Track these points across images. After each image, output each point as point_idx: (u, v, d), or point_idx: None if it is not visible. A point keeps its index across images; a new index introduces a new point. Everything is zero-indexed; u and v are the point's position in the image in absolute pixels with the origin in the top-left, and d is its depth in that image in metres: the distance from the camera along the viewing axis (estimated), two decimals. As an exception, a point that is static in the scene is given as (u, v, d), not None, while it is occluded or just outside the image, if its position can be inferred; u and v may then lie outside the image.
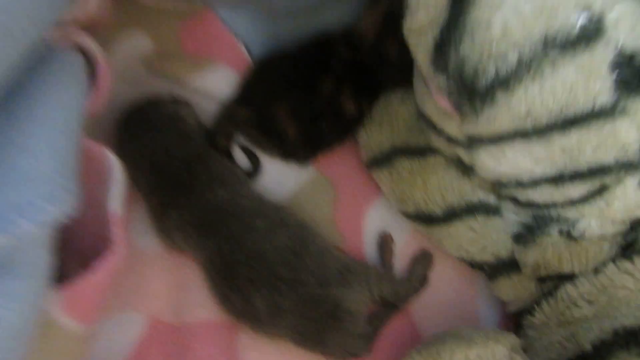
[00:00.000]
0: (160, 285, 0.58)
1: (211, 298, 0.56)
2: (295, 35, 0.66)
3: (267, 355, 0.57)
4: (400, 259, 0.65)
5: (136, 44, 0.66)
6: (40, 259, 0.36)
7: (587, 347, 0.46)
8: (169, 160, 0.57)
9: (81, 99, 0.42)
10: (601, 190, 0.47)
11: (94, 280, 0.40)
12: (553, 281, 0.55)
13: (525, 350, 0.53)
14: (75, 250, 0.44)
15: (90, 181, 0.44)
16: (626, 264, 0.48)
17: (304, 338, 0.54)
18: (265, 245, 0.54)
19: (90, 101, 0.44)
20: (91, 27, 0.51)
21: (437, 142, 0.56)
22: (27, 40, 0.35)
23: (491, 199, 0.59)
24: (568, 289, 0.51)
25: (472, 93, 0.45)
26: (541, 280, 0.57)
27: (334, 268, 0.55)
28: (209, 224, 0.55)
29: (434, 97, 0.49)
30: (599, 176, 0.46)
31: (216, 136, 0.64)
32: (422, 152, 0.61)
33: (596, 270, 0.50)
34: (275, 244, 0.54)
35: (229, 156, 0.65)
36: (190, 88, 0.66)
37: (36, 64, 0.40)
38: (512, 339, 0.50)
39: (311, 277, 0.54)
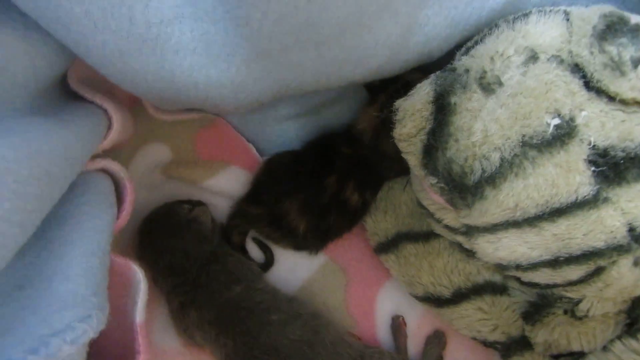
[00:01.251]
0: (182, 383, 0.61)
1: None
2: (299, 134, 0.71)
3: None
4: (414, 340, 0.66)
5: (155, 154, 0.71)
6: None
7: None
8: (187, 262, 0.61)
9: (111, 222, 0.47)
10: (598, 272, 0.49)
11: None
12: (566, 358, 0.56)
13: None
14: (101, 357, 0.47)
15: (117, 293, 0.48)
16: (632, 342, 0.49)
17: None
18: (280, 339, 0.56)
19: (119, 220, 0.49)
20: (117, 148, 0.57)
21: (438, 229, 0.59)
22: (67, 181, 0.40)
23: (497, 278, 0.61)
24: (579, 368, 0.52)
25: (462, 190, 0.48)
26: (555, 357, 0.58)
27: (347, 357, 0.57)
28: (226, 320, 0.58)
29: (429, 194, 0.53)
30: (593, 259, 0.48)
31: (231, 233, 0.68)
32: (426, 236, 0.64)
33: (605, 348, 0.51)
34: (290, 336, 0.57)
35: (244, 251, 0.68)
36: (206, 190, 0.71)
37: (71, 193, 0.45)
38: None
39: (325, 367, 0.55)
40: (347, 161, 0.66)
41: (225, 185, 0.71)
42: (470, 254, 0.58)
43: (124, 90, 0.51)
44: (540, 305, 0.56)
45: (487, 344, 0.62)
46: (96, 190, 0.47)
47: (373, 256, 0.69)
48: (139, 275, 0.48)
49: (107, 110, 0.51)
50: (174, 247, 0.61)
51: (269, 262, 0.68)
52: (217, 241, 0.64)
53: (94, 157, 0.50)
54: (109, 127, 0.51)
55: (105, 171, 0.51)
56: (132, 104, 0.66)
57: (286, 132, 0.72)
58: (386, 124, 0.57)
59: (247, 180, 0.71)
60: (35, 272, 0.40)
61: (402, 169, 0.65)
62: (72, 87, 0.52)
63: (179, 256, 0.61)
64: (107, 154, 0.54)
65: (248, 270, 0.63)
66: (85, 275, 0.41)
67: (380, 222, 0.67)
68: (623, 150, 0.43)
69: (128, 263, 0.49)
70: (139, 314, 0.46)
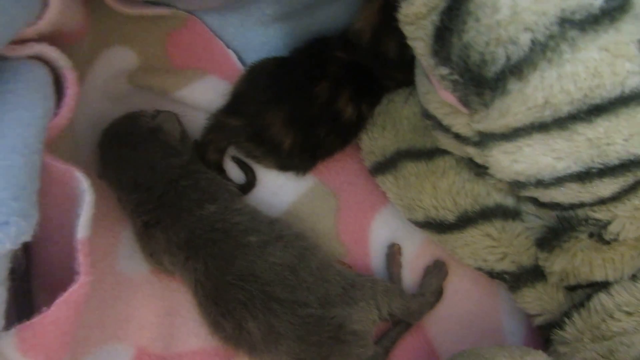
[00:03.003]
0: (147, 313, 0.54)
1: (202, 325, 0.52)
2: (288, 41, 0.62)
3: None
4: (412, 271, 0.60)
5: (120, 59, 0.62)
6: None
7: (630, 366, 0.40)
8: (153, 177, 0.53)
9: (43, 116, 0.38)
10: (635, 187, 0.42)
11: (55, 316, 0.36)
12: (584, 290, 0.49)
13: (556, 369, 0.47)
14: (45, 283, 0.40)
15: (59, 206, 0.40)
16: (669, 270, 0.42)
17: (306, 365, 0.49)
18: (259, 263, 0.49)
19: (56, 117, 0.40)
20: (64, 41, 0.47)
21: (446, 142, 0.51)
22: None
23: (509, 201, 0.54)
24: (602, 299, 0.46)
25: (479, 84, 0.40)
26: (570, 289, 0.51)
27: (336, 284, 0.51)
28: (197, 243, 0.51)
29: (438, 92, 0.44)
30: (633, 170, 0.40)
31: (206, 149, 0.59)
32: (429, 154, 0.56)
33: (634, 277, 0.44)
34: (270, 260, 0.50)
35: (221, 170, 0.60)
36: (179, 100, 0.62)
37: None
38: (540, 357, 0.45)
39: (311, 296, 0.49)
40: (341, 67, 0.58)
41: (200, 97, 0.62)
42: (481, 170, 0.50)
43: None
44: (560, 230, 0.49)
45: (493, 275, 0.55)
46: (25, 78, 0.38)
47: (368, 179, 0.62)
48: (83, 184, 0.40)
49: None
50: (136, 159, 0.53)
51: (250, 183, 0.60)
52: (187, 156, 0.56)
53: (26, 40, 0.41)
54: (45, 4, 0.41)
55: (41, 60, 0.41)
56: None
57: (272, 38, 0.62)
58: (388, 19, 0.47)
59: (225, 91, 0.62)
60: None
61: (404, 78, 0.56)
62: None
63: (143, 170, 0.53)
64: (49, 44, 0.44)
65: (224, 190, 0.55)
66: (3, 175, 0.32)
67: (378, 138, 0.59)
68: (687, 29, 0.35)
69: (70, 169, 0.40)
70: (82, 228, 0.38)
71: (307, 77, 0.57)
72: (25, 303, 0.41)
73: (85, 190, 0.39)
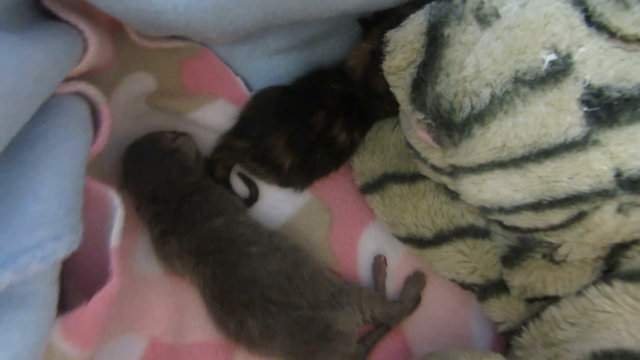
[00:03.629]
0: (160, 308, 0.61)
1: (208, 320, 0.59)
2: (291, 69, 0.69)
3: (262, 376, 0.59)
4: (394, 280, 0.67)
5: (140, 83, 0.69)
6: (48, 292, 0.39)
7: (568, 369, 0.47)
8: (170, 191, 0.60)
9: (86, 145, 0.46)
10: (580, 217, 0.49)
11: (92, 309, 0.43)
12: (540, 302, 0.56)
13: (513, 371, 0.55)
14: (76, 279, 0.47)
15: (93, 217, 0.47)
16: (606, 288, 0.49)
17: (296, 359, 0.56)
18: (259, 271, 0.57)
19: (93, 146, 0.48)
20: (96, 73, 0.54)
21: (424, 170, 0.58)
22: (37, 101, 0.39)
23: (481, 222, 0.61)
24: (552, 311, 0.53)
25: (449, 127, 0.47)
26: (529, 301, 0.58)
27: (326, 290, 0.58)
28: (206, 251, 0.58)
29: (416, 131, 0.51)
30: (577, 203, 0.47)
31: (215, 166, 0.67)
32: (412, 178, 0.63)
33: (579, 293, 0.51)
34: (269, 268, 0.57)
35: (228, 185, 0.68)
36: (191, 122, 0.69)
37: (44, 114, 0.44)
38: (497, 358, 0.52)
39: (303, 300, 0.56)
40: (336, 98, 0.65)
41: (211, 119, 0.69)
42: (454, 195, 0.57)
43: (102, 12, 0.48)
44: (520, 250, 0.56)
45: (464, 286, 0.62)
46: (70, 113, 0.46)
47: (359, 197, 0.69)
48: (115, 201, 0.47)
49: (83, 31, 0.49)
50: (156, 175, 0.60)
51: (253, 197, 0.68)
52: (200, 173, 0.63)
53: (69, 79, 0.48)
54: (85, 49, 0.49)
55: (81, 95, 0.49)
56: (114, 29, 0.63)
57: (276, 68, 0.69)
58: (376, 60, 0.54)
59: (233, 114, 0.69)
60: (6, 192, 0.40)
61: (392, 109, 0.63)
62: (45, 5, 0.49)
63: (162, 185, 0.60)
64: (86, 79, 0.52)
65: (231, 203, 0.63)
66: (57, 197, 0.40)
67: (368, 162, 0.66)
68: (619, 91, 0.42)
69: (105, 189, 0.48)
70: (114, 239, 0.46)
71: (306, 107, 0.64)
72: (61, 300, 0.48)
73: (117, 206, 0.47)
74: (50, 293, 0.39)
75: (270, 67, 0.69)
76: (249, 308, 0.56)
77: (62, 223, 0.39)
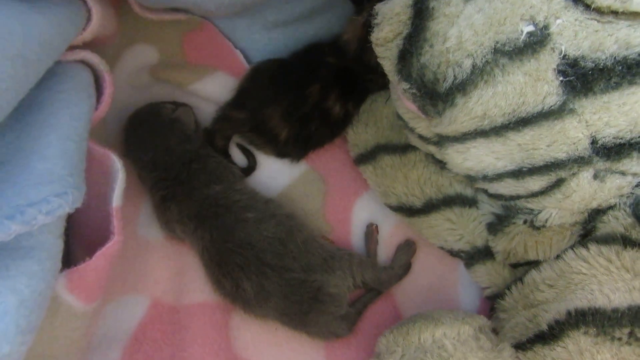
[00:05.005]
0: (162, 271, 0.65)
1: (207, 283, 0.63)
2: (288, 43, 0.71)
3: (256, 334, 0.63)
4: (386, 248, 0.69)
5: (143, 55, 0.72)
6: (53, 244, 0.43)
7: (544, 326, 0.50)
8: (170, 159, 0.63)
9: (89, 111, 0.49)
10: (559, 184, 0.51)
11: (95, 265, 0.47)
12: (523, 267, 0.59)
13: (496, 331, 0.57)
14: (81, 239, 0.51)
15: (97, 180, 0.50)
16: (582, 251, 0.51)
17: (290, 319, 0.60)
18: (255, 235, 0.60)
19: (95, 111, 0.51)
20: (100, 44, 0.57)
21: (413, 140, 0.60)
22: (43, 66, 0.41)
23: (468, 191, 0.63)
24: (533, 274, 0.55)
25: (433, 97, 0.49)
26: (513, 266, 0.61)
27: (318, 255, 0.61)
28: (205, 216, 0.61)
29: (403, 102, 0.54)
30: (555, 170, 0.49)
31: (214, 137, 0.69)
32: (403, 149, 0.66)
33: (557, 257, 0.54)
34: (264, 233, 0.60)
35: (226, 155, 0.70)
36: (192, 93, 0.72)
37: (50, 81, 0.46)
38: (480, 320, 0.55)
39: (296, 263, 0.59)
40: (331, 71, 0.67)
41: (211, 90, 0.72)
42: (442, 165, 0.59)
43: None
44: (504, 217, 0.58)
45: (452, 253, 0.65)
46: (74, 80, 0.49)
47: (353, 168, 0.71)
48: (117, 164, 0.50)
49: (86, 1, 0.51)
50: (157, 144, 0.63)
51: (251, 167, 0.70)
52: (199, 143, 0.66)
53: (73, 48, 0.51)
54: (89, 19, 0.51)
55: (85, 63, 0.52)
56: (117, 1, 0.66)
57: (274, 41, 0.72)
58: (369, 33, 0.56)
59: (232, 86, 0.71)
60: (15, 151, 0.43)
61: (385, 83, 0.65)
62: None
63: (162, 153, 0.63)
64: (90, 48, 0.54)
65: (229, 172, 0.65)
66: (61, 157, 0.43)
67: (361, 133, 0.69)
68: (593, 61, 0.44)
69: (107, 152, 0.51)
70: (115, 199, 0.49)
71: (302, 79, 0.66)
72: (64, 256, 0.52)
73: (118, 169, 0.50)
74: (55, 246, 0.43)
75: (269, 40, 0.71)
76: (244, 270, 0.59)
77: (66, 181, 0.42)
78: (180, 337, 0.62)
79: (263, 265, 0.59)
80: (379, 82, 0.67)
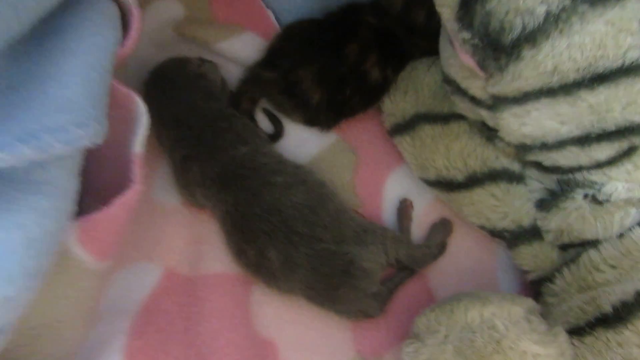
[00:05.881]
0: (177, 238, 0.60)
1: (226, 253, 0.57)
2: (323, 4, 0.66)
3: (278, 310, 0.57)
4: (420, 227, 0.64)
5: (167, 10, 0.68)
6: (67, 181, 0.38)
7: (607, 308, 0.45)
8: (193, 116, 0.59)
9: (113, 43, 0.44)
10: (629, 152, 0.46)
11: (110, 214, 0.42)
12: (576, 248, 0.54)
13: (543, 316, 0.52)
14: (96, 188, 0.46)
15: (118, 123, 0.45)
16: (652, 228, 0.47)
17: (317, 294, 0.54)
18: (283, 201, 0.55)
19: (121, 48, 0.46)
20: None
21: (462, 105, 0.55)
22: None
23: (515, 166, 0.59)
24: (591, 254, 0.50)
25: (497, 49, 0.44)
26: (563, 248, 0.56)
27: (350, 227, 0.56)
28: (229, 178, 0.56)
29: (459, 56, 0.49)
30: (628, 136, 0.45)
31: (240, 99, 0.65)
32: (445, 118, 0.61)
33: (621, 236, 0.49)
34: (293, 199, 0.55)
35: (252, 119, 0.66)
36: (219, 52, 0.67)
37: (75, 8, 0.42)
38: (529, 302, 0.50)
39: (327, 233, 0.54)
40: (371, 32, 0.62)
41: (238, 50, 0.67)
42: (492, 133, 0.55)
43: None
44: (559, 192, 0.53)
45: (494, 233, 0.60)
46: (100, 9, 0.44)
47: (386, 141, 0.66)
48: (141, 107, 0.45)
49: None
50: (180, 99, 0.59)
51: (277, 134, 0.66)
52: (225, 102, 0.61)
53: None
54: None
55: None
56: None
57: (309, 1, 0.67)
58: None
59: (261, 48, 0.67)
60: (31, 76, 0.38)
61: (429, 47, 0.61)
62: None
63: (185, 109, 0.58)
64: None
65: (256, 134, 0.61)
66: (83, 86, 0.38)
67: (399, 102, 0.64)
68: (686, 9, 0.39)
69: (131, 94, 0.46)
70: (138, 145, 0.44)
71: (339, 38, 0.62)
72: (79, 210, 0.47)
73: (143, 112, 0.45)
74: (70, 184, 0.38)
75: (303, 1, 0.67)
76: (271, 237, 0.54)
77: (87, 112, 0.37)
78: (195, 310, 0.57)
79: (291, 233, 0.54)
80: (422, 46, 0.63)
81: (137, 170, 0.44)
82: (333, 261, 0.54)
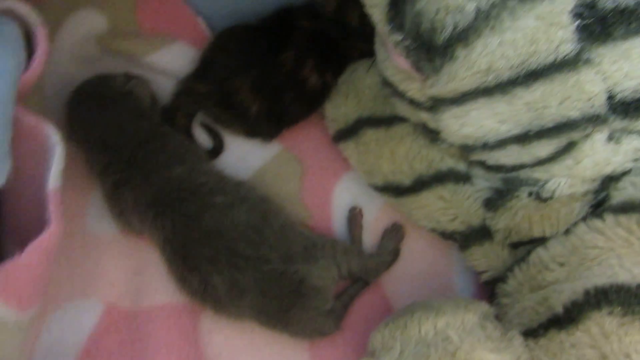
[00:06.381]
0: (116, 270, 0.56)
1: (170, 282, 0.54)
2: (256, 9, 0.63)
3: (231, 339, 0.54)
4: (372, 233, 0.63)
5: (89, 22, 0.63)
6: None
7: (559, 309, 0.44)
8: (122, 138, 0.55)
9: (15, 69, 0.40)
10: (569, 148, 0.46)
11: (25, 261, 0.38)
12: (525, 246, 0.53)
13: (499, 318, 0.51)
14: (14, 232, 0.42)
15: (32, 160, 0.41)
16: (597, 222, 0.46)
17: (269, 317, 0.52)
18: (224, 222, 0.52)
19: (26, 72, 0.41)
20: (36, 2, 0.48)
21: (402, 108, 0.54)
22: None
23: (461, 166, 0.57)
24: (540, 253, 0.50)
25: (430, 50, 0.43)
26: (514, 246, 0.55)
27: (298, 243, 0.53)
28: (165, 202, 0.53)
29: (393, 59, 0.47)
30: (566, 132, 0.44)
31: (175, 114, 0.61)
32: (388, 121, 0.59)
33: (567, 232, 0.49)
34: (235, 220, 0.52)
35: (189, 135, 0.62)
36: (148, 66, 0.64)
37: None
38: (483, 307, 0.49)
39: (273, 253, 0.52)
40: (306, 36, 0.60)
41: (169, 62, 0.64)
42: (434, 135, 0.53)
43: None
44: (504, 191, 0.52)
45: (445, 235, 0.59)
46: (-3, 32, 0.39)
47: (331, 147, 0.64)
48: (53, 137, 0.41)
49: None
50: (106, 120, 0.55)
51: (217, 148, 0.62)
52: (156, 119, 0.57)
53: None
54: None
55: (11, 14, 0.42)
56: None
57: (240, 6, 0.64)
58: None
59: (194, 57, 0.64)
60: None
61: (366, 48, 0.58)
62: None
63: (113, 131, 0.54)
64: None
65: (192, 152, 0.57)
66: (-23, 122, 0.34)
67: (341, 106, 0.62)
68: (614, 1, 0.38)
69: (41, 123, 0.42)
70: (52, 180, 0.40)
71: (274, 45, 0.59)
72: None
73: (56, 143, 0.41)
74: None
75: (234, 5, 0.64)
76: (214, 263, 0.51)
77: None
78: (141, 346, 0.53)
79: (235, 256, 0.51)
80: (360, 47, 0.61)
81: (54, 209, 0.40)
82: (282, 282, 0.51)
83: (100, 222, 0.58)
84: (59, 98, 0.59)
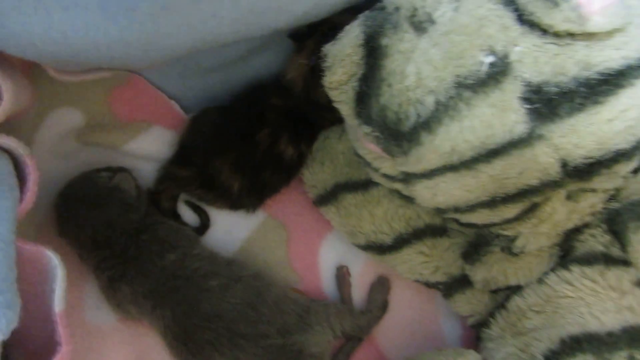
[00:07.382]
0: (119, 359, 0.57)
1: (174, 365, 0.56)
2: (226, 87, 0.66)
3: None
4: (359, 288, 0.66)
5: (65, 120, 0.64)
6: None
7: (539, 358, 0.48)
8: (113, 234, 0.56)
9: (12, 207, 0.41)
10: (533, 208, 0.50)
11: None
12: (504, 292, 0.57)
13: (486, 363, 0.55)
14: (23, 347, 0.43)
15: (33, 280, 0.43)
16: (565, 274, 0.50)
17: (273, 391, 0.54)
18: (221, 304, 0.54)
19: (23, 202, 0.43)
20: (15, 118, 0.49)
21: (376, 178, 0.57)
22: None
23: (437, 220, 0.61)
24: (517, 301, 0.54)
25: (398, 137, 0.46)
26: (494, 292, 0.59)
27: (292, 313, 0.56)
28: (162, 292, 0.55)
29: (364, 145, 0.51)
30: (528, 197, 0.48)
31: (160, 198, 0.63)
32: (364, 185, 0.62)
33: (540, 281, 0.53)
34: (232, 301, 0.55)
35: (176, 216, 0.64)
36: (128, 154, 0.65)
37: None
38: (472, 356, 0.53)
39: (271, 327, 0.54)
40: (278, 113, 0.63)
41: (148, 148, 0.66)
42: (409, 200, 0.57)
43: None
44: (478, 244, 0.56)
45: (429, 285, 0.63)
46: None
47: (313, 209, 0.67)
48: (54, 260, 0.43)
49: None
50: (95, 219, 0.56)
51: (204, 225, 0.65)
52: (144, 209, 0.59)
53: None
54: (-1, 97, 0.44)
55: (1, 149, 0.44)
56: (30, 67, 0.58)
57: (211, 86, 0.66)
58: (316, 72, 0.53)
59: (172, 140, 0.66)
60: None
61: (336, 118, 0.61)
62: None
63: (102, 228, 0.56)
64: (4, 128, 0.47)
65: (182, 236, 0.60)
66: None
67: (318, 173, 0.65)
68: (556, 85, 0.43)
69: (40, 250, 0.43)
70: (58, 303, 0.42)
71: (249, 126, 0.61)
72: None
73: (56, 266, 0.43)
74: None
75: (205, 86, 0.66)
76: (215, 345, 0.53)
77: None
78: None
79: (236, 336, 0.53)
80: (330, 118, 0.64)
81: (63, 331, 0.42)
82: (282, 355, 0.54)
83: (98, 312, 0.59)
84: (43, 194, 0.59)
